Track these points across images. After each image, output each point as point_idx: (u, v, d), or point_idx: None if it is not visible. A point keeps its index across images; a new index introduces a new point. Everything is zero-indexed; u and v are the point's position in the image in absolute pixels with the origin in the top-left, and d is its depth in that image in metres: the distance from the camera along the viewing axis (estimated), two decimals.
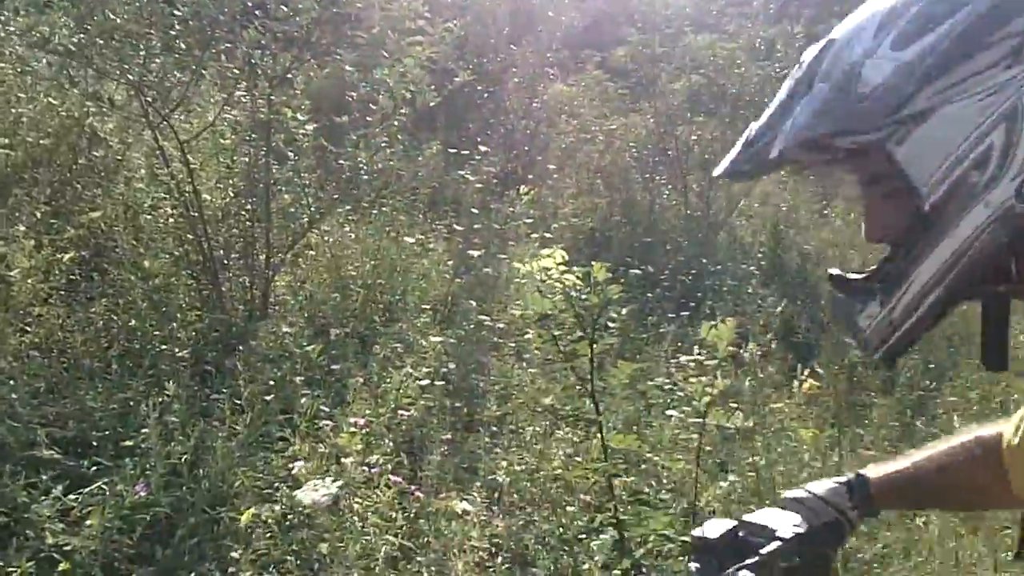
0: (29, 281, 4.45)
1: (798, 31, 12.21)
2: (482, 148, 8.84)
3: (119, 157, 6.00)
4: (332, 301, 5.77)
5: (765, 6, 11.20)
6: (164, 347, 4.45)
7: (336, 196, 6.01)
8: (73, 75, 5.69)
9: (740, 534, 1.49)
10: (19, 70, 5.89)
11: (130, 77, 5.30)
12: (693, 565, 1.47)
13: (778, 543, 1.46)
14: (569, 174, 10.37)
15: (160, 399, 3.67)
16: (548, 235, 7.98)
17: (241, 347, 4.58)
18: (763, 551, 1.44)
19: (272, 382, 4.39)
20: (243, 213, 5.59)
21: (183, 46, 5.83)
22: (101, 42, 5.38)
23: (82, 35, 5.35)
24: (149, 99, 5.33)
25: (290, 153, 5.98)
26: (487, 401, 5.10)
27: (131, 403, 3.87)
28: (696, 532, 1.48)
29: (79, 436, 3.64)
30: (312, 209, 5.91)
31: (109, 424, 3.69)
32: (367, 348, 5.27)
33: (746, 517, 1.52)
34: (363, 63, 6.51)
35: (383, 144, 5.98)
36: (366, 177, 6.33)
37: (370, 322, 5.69)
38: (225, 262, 5.42)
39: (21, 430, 3.41)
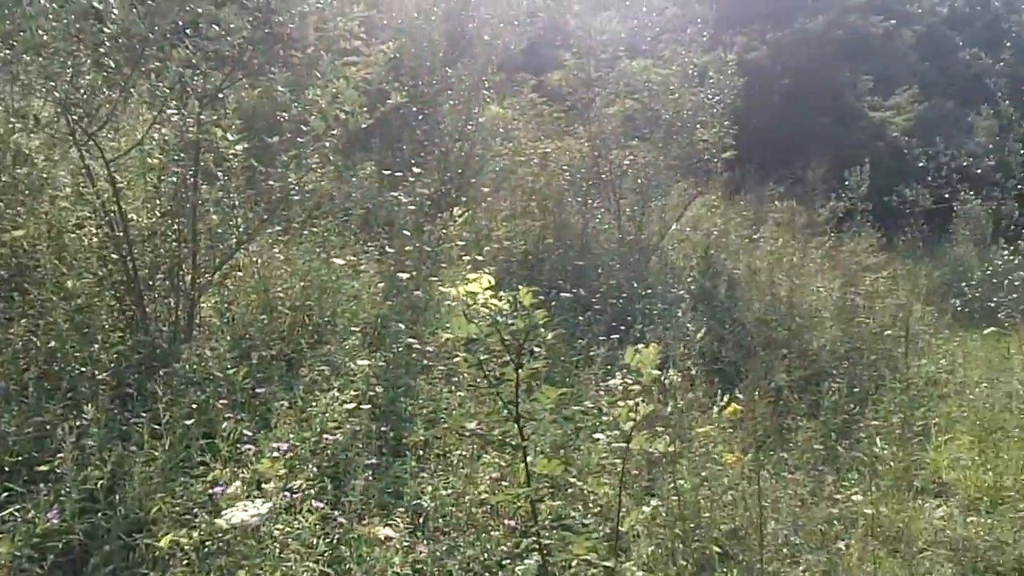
0: None
1: (731, 59, 12.46)
2: (416, 169, 8.84)
3: (44, 175, 5.87)
4: (259, 323, 5.72)
5: (699, 34, 11.39)
6: (84, 369, 4.37)
7: (266, 217, 5.96)
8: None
9: None
10: None
11: (56, 94, 5.22)
12: None
13: None
14: (503, 196, 10.42)
15: (78, 423, 3.62)
16: (480, 257, 8.03)
17: (164, 370, 4.51)
18: None
19: (195, 405, 4.34)
20: (170, 233, 5.52)
21: (112, 64, 5.75)
22: (28, 58, 5.29)
23: (7, 51, 5.26)
24: (76, 117, 5.25)
25: (219, 173, 5.93)
26: (415, 425, 5.09)
27: (47, 427, 3.79)
28: None
29: None
30: (241, 230, 5.86)
31: (23, 449, 3.61)
32: (293, 371, 5.23)
33: None
34: (297, 83, 6.49)
35: (314, 165, 5.96)
36: (297, 198, 6.31)
37: (297, 344, 5.64)
38: (150, 283, 5.34)
39: None
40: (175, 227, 5.55)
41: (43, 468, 3.37)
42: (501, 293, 3.90)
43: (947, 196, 9.25)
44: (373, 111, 6.23)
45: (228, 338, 5.31)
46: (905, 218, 13.21)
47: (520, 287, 3.86)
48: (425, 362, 5.87)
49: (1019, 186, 8.17)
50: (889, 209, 12.60)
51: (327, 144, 5.98)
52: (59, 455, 3.40)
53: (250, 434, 4.16)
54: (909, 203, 11.83)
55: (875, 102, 20.36)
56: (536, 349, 4.07)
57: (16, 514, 3.10)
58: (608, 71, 10.89)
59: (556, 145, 11.00)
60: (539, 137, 11.26)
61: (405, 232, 7.43)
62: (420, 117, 9.92)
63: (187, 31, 5.83)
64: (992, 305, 11.64)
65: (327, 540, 3.60)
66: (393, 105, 6.83)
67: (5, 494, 3.29)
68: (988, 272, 12.49)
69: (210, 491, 3.54)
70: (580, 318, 7.72)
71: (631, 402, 3.88)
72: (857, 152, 15.19)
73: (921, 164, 9.11)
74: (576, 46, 10.95)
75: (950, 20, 23.87)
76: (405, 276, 6.45)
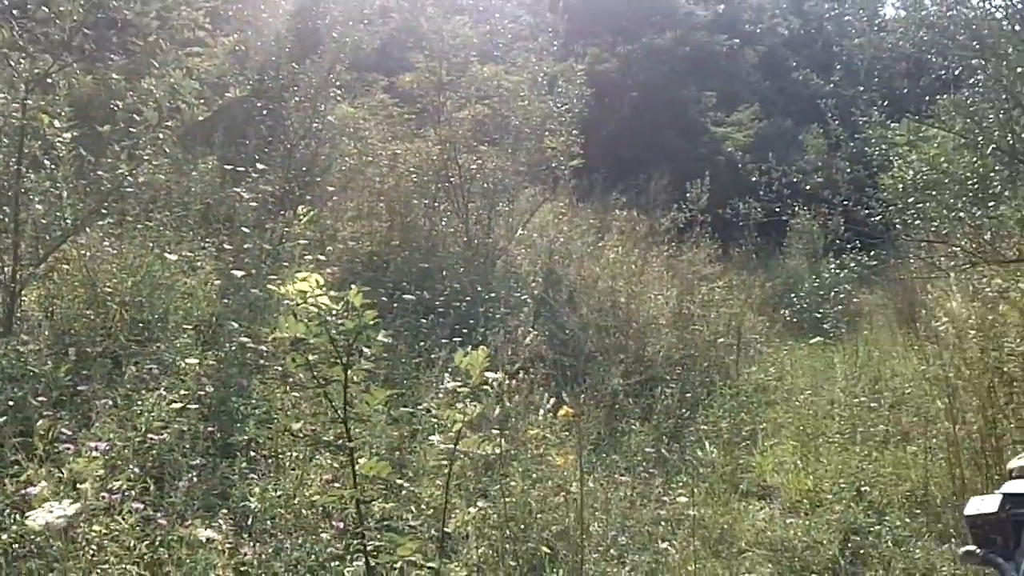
0: None
1: (581, 69, 12.76)
2: (260, 166, 8.66)
3: None
4: (85, 319, 5.50)
5: (550, 43, 11.60)
6: None
7: (95, 208, 5.75)
8: None
9: (1007, 507, 1.49)
10: None
11: None
12: (973, 548, 1.47)
13: None
14: (350, 196, 10.35)
15: None
16: (323, 257, 7.94)
17: None
18: None
19: (11, 403, 4.15)
20: None
21: None
22: None
23: None
24: None
25: (47, 161, 5.69)
26: (246, 425, 5.00)
27: None
28: (972, 511, 1.48)
29: None
30: (68, 221, 5.63)
31: None
32: (120, 369, 5.05)
33: (1006, 490, 1.51)
34: (136, 71, 6.29)
35: (148, 156, 5.78)
36: (131, 190, 6.10)
37: (125, 342, 5.46)
38: None
39: None
40: None
41: None
42: (332, 293, 3.87)
43: (778, 210, 9.71)
44: (214, 104, 6.10)
45: (49, 333, 5.09)
46: (741, 231, 13.81)
47: (353, 287, 3.86)
48: (261, 362, 5.77)
49: (845, 202, 8.64)
50: (727, 221, 13.16)
51: (161, 136, 5.82)
52: None
53: (69, 433, 4.01)
54: (743, 216, 12.39)
55: (718, 118, 21.23)
56: (366, 350, 4.07)
57: None
58: (460, 75, 10.96)
59: (406, 147, 10.99)
60: (388, 138, 11.21)
61: (244, 229, 7.27)
62: (265, 112, 9.73)
63: (13, 12, 5.57)
64: (819, 316, 12.31)
65: (147, 543, 3.50)
66: (233, 98, 6.70)
67: None
68: (816, 284, 13.20)
69: (23, 491, 3.40)
70: (423, 320, 7.74)
71: (460, 404, 3.92)
72: (699, 165, 15.82)
73: (754, 179, 9.54)
74: (428, 48, 10.99)
75: (789, 42, 25.09)
76: (240, 274, 6.32)
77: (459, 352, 3.88)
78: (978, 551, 1.50)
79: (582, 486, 4.57)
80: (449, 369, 6.45)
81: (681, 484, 6.16)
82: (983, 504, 1.52)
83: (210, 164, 9.08)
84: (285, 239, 7.67)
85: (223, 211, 8.40)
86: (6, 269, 5.18)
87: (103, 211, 6.09)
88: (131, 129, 5.72)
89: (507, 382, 4.41)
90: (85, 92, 7.71)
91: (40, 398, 4.22)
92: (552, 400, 5.24)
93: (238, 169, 8.56)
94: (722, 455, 6.88)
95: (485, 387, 3.99)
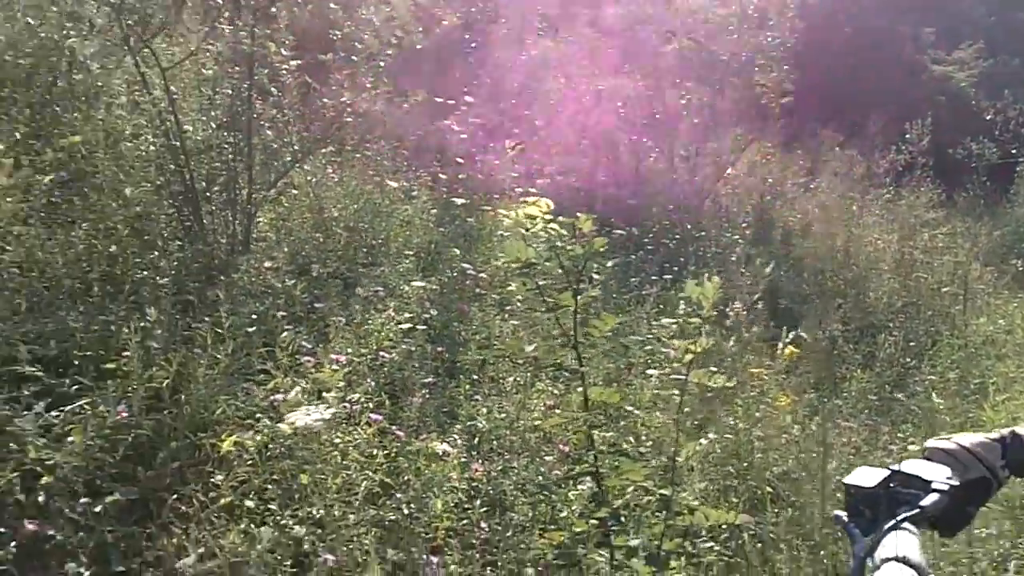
0: (8, 200, 4.34)
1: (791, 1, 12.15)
2: (468, 99, 8.71)
3: (99, 83, 5.83)
4: (314, 241, 5.69)
5: None
6: (145, 274, 4.35)
7: (321, 135, 5.90)
8: None
9: (891, 484, 1.44)
10: None
11: None
12: (842, 514, 1.43)
13: (936, 495, 1.41)
14: (556, 131, 10.28)
15: (141, 324, 3.60)
16: (533, 190, 7.93)
17: (223, 279, 4.50)
18: (924, 503, 1.40)
19: (254, 316, 4.32)
20: (225, 146, 5.46)
21: None
22: None
23: None
24: (131, 23, 5.17)
25: (273, 89, 5.87)
26: (468, 349, 5.06)
27: (112, 327, 3.78)
28: (850, 480, 1.44)
29: (60, 355, 3.55)
30: (295, 148, 5.81)
31: (90, 346, 3.60)
32: (349, 290, 5.20)
33: (895, 467, 1.47)
34: (349, 2, 6.39)
35: (368, 85, 5.88)
36: (349, 120, 6.22)
37: (352, 264, 5.61)
38: (207, 195, 5.30)
39: (2, 345, 3.33)
40: (230, 140, 5.49)
41: (110, 366, 3.36)
42: (559, 218, 3.81)
43: (1014, 152, 8.95)
44: (426, 33, 6.12)
45: (285, 253, 5.28)
46: (966, 175, 12.84)
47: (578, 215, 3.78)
48: (478, 290, 5.82)
49: None
50: (949, 165, 12.24)
51: (381, 64, 5.90)
52: (125, 354, 3.39)
53: (309, 346, 4.14)
54: (975, 157, 11.47)
55: (937, 56, 19.81)
56: (595, 276, 4.00)
57: (86, 407, 3.10)
58: (664, 9, 10.65)
59: (610, 82, 10.79)
60: (593, 73, 11.04)
61: (459, 160, 7.33)
62: (473, 45, 9.75)
63: None
64: None
65: (385, 452, 3.58)
66: (446, 28, 6.71)
67: (75, 387, 3.29)
68: None
69: (271, 398, 3.53)
70: (632, 257, 7.62)
71: (691, 334, 3.80)
72: (918, 105, 14.79)
73: (988, 117, 8.81)
74: None
75: None
76: (461, 202, 6.37)
77: (690, 282, 3.74)
78: (844, 517, 1.43)
79: (816, 426, 4.37)
80: (662, 306, 6.37)
81: (908, 433, 5.83)
82: (864, 477, 1.45)
83: (420, 97, 9.21)
84: (495, 172, 7.71)
85: (433, 143, 8.52)
86: (242, 191, 5.38)
87: (326, 139, 6.25)
88: (352, 57, 5.82)
89: (743, 313, 4.24)
90: (302, 22, 7.92)
91: (280, 312, 4.37)
92: (789, 336, 5.02)
93: (448, 102, 8.64)
94: (950, 407, 6.47)
95: (713, 319, 3.86)
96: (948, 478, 1.43)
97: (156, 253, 4.64)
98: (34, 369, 3.27)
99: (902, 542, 1.32)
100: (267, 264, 4.96)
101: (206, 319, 3.88)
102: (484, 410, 4.37)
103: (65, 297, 3.96)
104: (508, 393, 4.71)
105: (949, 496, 1.41)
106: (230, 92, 5.48)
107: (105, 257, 4.42)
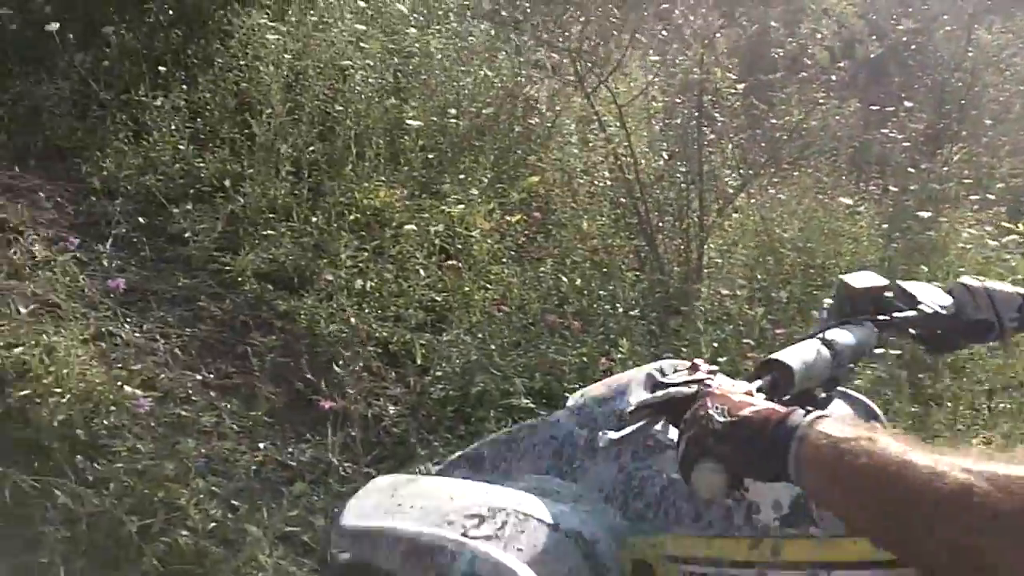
0: (488, 242, 4.73)
1: None
2: (907, 104, 8.15)
3: (550, 124, 6.21)
4: (764, 264, 5.60)
5: None
6: (612, 306, 4.53)
7: (770, 157, 5.82)
8: (514, 43, 5.97)
9: (886, 294, 1.54)
10: (456, 43, 6.25)
11: (562, 44, 5.45)
12: (827, 301, 1.58)
13: (914, 313, 1.51)
14: (1005, 130, 9.30)
15: (618, 355, 3.74)
16: (991, 196, 7.25)
17: (683, 307, 4.56)
18: (897, 315, 1.51)
19: (715, 344, 4.33)
20: (676, 175, 5.57)
21: (615, 11, 5.91)
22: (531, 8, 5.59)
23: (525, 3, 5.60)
24: (588, 64, 5.45)
25: (716, 114, 5.88)
26: None
27: (586, 358, 3.97)
28: (844, 277, 1.57)
29: (544, 387, 3.78)
30: (741, 171, 5.77)
31: (573, 378, 3.80)
32: (803, 314, 5.05)
33: (899, 282, 1.60)
34: (793, 19, 6.25)
35: (819, 101, 5.70)
36: (785, 137, 6.07)
37: (804, 286, 5.44)
38: (659, 224, 5.43)
39: (500, 379, 3.61)
40: (681, 169, 5.58)
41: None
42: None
43: None
44: (885, 39, 5.83)
45: (737, 279, 5.25)
46: None
47: None
48: None
49: None
50: None
51: (833, 78, 5.70)
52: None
53: None
54: None
55: None
56: None
57: None
58: None
59: None
60: None
61: (910, 169, 6.88)
62: (912, 46, 9.11)
63: None
64: None
65: None
66: (904, 31, 6.35)
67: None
68: None
69: None
70: None
71: None
72: None
73: None
74: None
75: None
76: (925, 215, 5.97)
77: None
78: (825, 305, 1.59)
79: None
80: None
81: None
82: (861, 279, 1.56)
83: (853, 106, 8.78)
84: (942, 179, 7.16)
85: (872, 154, 8.07)
86: (694, 218, 5.44)
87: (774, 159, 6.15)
88: (802, 73, 5.67)
89: None
90: (744, 43, 7.89)
91: (745, 340, 4.33)
92: None
93: (885, 108, 8.16)
94: None
95: None
96: (941, 306, 1.53)
97: (614, 285, 4.81)
98: (528, 401, 3.51)
99: (853, 331, 1.43)
100: (724, 291, 4.96)
101: (675, 343, 3.95)
102: None
103: (544, 332, 4.21)
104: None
105: (931, 319, 1.51)
106: (679, 122, 5.58)
107: (572, 291, 4.66)
